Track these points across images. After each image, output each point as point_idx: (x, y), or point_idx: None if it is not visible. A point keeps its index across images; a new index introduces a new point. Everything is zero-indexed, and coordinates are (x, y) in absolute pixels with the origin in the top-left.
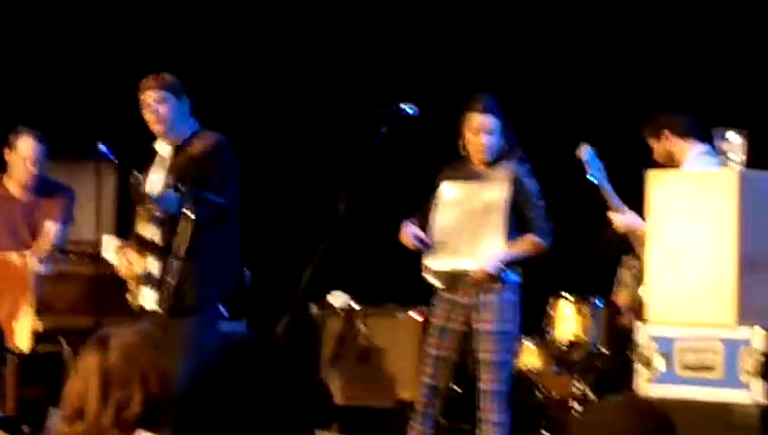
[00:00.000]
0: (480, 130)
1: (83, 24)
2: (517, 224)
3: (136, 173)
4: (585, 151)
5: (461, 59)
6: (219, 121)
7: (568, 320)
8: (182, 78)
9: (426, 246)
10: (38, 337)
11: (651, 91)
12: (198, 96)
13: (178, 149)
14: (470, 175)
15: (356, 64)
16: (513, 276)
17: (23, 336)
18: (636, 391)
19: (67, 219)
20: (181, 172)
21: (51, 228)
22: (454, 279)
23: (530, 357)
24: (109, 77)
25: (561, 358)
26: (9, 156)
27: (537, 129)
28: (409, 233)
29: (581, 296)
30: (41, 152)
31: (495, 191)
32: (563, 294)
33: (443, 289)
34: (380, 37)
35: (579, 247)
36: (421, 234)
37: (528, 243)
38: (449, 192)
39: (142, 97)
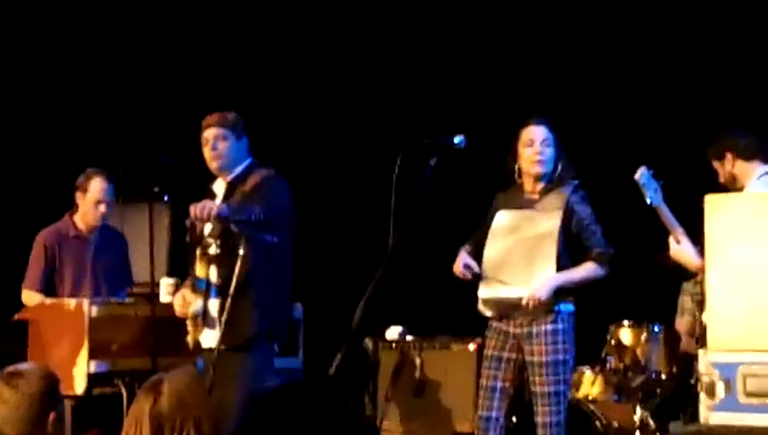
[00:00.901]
0: (534, 141)
1: (136, 65)
2: (573, 252)
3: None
4: (642, 174)
5: (511, 85)
6: (271, 155)
7: (628, 347)
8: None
9: (475, 276)
10: (94, 380)
11: (716, 111)
12: (252, 131)
13: (231, 186)
14: (523, 203)
15: (405, 96)
16: (566, 306)
17: (79, 379)
18: (697, 420)
19: (128, 264)
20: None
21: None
22: (506, 308)
23: (590, 386)
24: (162, 116)
25: (621, 386)
26: (80, 199)
27: (599, 152)
28: (460, 262)
29: (641, 323)
30: (111, 193)
31: (548, 220)
32: (624, 321)
33: (496, 319)
34: (430, 68)
35: (638, 273)
36: (471, 262)
37: (582, 269)
38: (502, 220)
39: (204, 134)
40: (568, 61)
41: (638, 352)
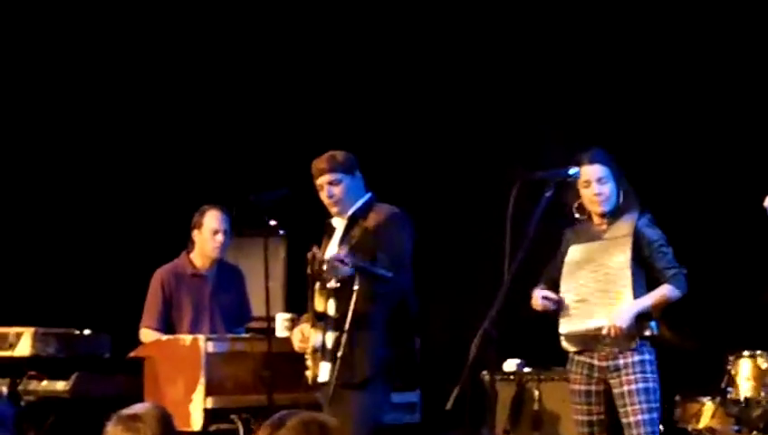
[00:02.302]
0: (590, 181)
1: (252, 101)
2: (647, 277)
3: (315, 249)
4: None
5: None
6: (384, 188)
7: (747, 377)
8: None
9: (556, 304)
10: (211, 416)
11: None
12: (364, 164)
13: (352, 221)
14: (593, 235)
15: (516, 128)
16: (648, 331)
17: (195, 416)
18: None
19: (247, 299)
20: (354, 245)
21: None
22: (589, 341)
23: (710, 417)
24: (278, 150)
25: (741, 417)
26: (197, 236)
27: (711, 176)
28: (538, 296)
29: (761, 352)
30: (227, 223)
31: (619, 248)
32: (743, 351)
33: (578, 352)
34: (537, 99)
35: (755, 302)
36: (549, 293)
37: (659, 292)
38: (574, 255)
39: (317, 182)
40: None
41: (759, 381)
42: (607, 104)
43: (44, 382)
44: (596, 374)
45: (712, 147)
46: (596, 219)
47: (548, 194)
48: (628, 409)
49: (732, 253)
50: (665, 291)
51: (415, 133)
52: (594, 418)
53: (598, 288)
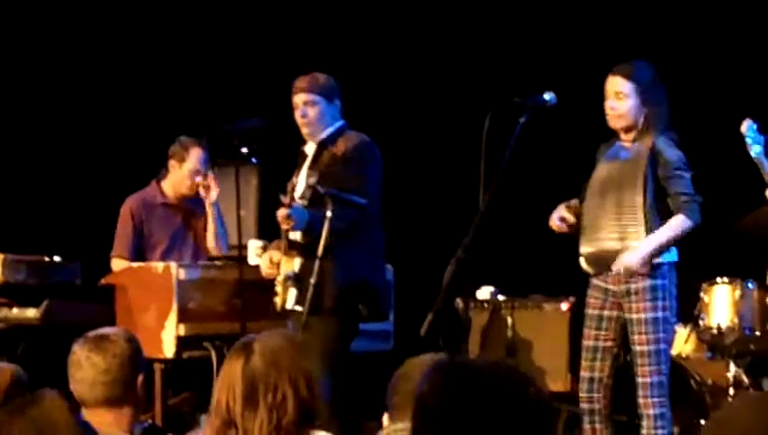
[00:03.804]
0: (608, 94)
1: (225, 25)
2: (662, 198)
3: (294, 179)
4: (748, 126)
5: (608, 32)
6: (360, 117)
7: (721, 305)
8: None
9: (570, 227)
10: (183, 344)
11: None
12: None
13: (322, 147)
14: (617, 153)
15: (491, 56)
16: (668, 256)
17: (168, 343)
18: None
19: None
20: (324, 171)
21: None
22: (601, 263)
23: (683, 344)
24: (247, 78)
25: (714, 344)
26: (174, 167)
27: (699, 104)
28: (555, 215)
29: (735, 280)
30: (206, 159)
31: (634, 166)
32: (717, 279)
33: (595, 275)
34: (517, 27)
35: (731, 229)
36: (566, 214)
37: (672, 227)
38: (598, 173)
39: (294, 99)
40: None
41: (732, 309)
42: (581, 30)
43: (15, 310)
44: (610, 298)
45: (686, 74)
46: (622, 135)
47: (522, 120)
48: (635, 337)
49: (705, 180)
50: (679, 223)
51: (390, 61)
52: (600, 344)
53: (612, 210)
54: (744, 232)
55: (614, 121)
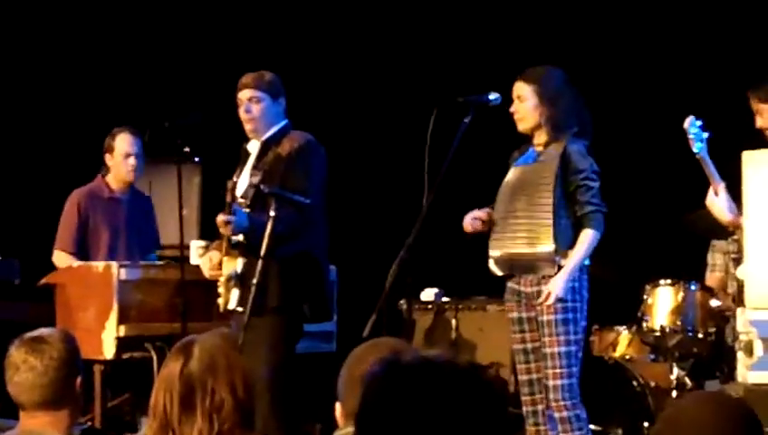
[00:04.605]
0: (514, 99)
1: (165, 23)
2: (571, 203)
3: (236, 178)
4: (691, 123)
5: (544, 37)
6: (302, 118)
7: (664, 306)
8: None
9: (485, 224)
10: (123, 344)
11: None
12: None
13: (266, 147)
14: (527, 158)
15: (436, 54)
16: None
17: (108, 344)
18: (734, 379)
19: (157, 229)
20: (268, 171)
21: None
22: (513, 266)
23: (626, 346)
24: (190, 74)
25: (657, 345)
26: (109, 160)
27: (635, 104)
28: (467, 217)
29: (677, 282)
30: (139, 146)
31: (545, 170)
32: (660, 280)
33: (509, 278)
34: (460, 26)
35: (673, 232)
36: (478, 213)
37: (584, 243)
38: (509, 177)
39: (239, 95)
40: (602, 6)
41: (675, 310)
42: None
43: None
44: (524, 300)
45: (630, 72)
46: (535, 140)
47: (467, 119)
48: (545, 339)
49: (653, 178)
50: (589, 238)
51: (334, 61)
52: (529, 345)
53: (522, 213)
54: (690, 230)
55: (519, 125)
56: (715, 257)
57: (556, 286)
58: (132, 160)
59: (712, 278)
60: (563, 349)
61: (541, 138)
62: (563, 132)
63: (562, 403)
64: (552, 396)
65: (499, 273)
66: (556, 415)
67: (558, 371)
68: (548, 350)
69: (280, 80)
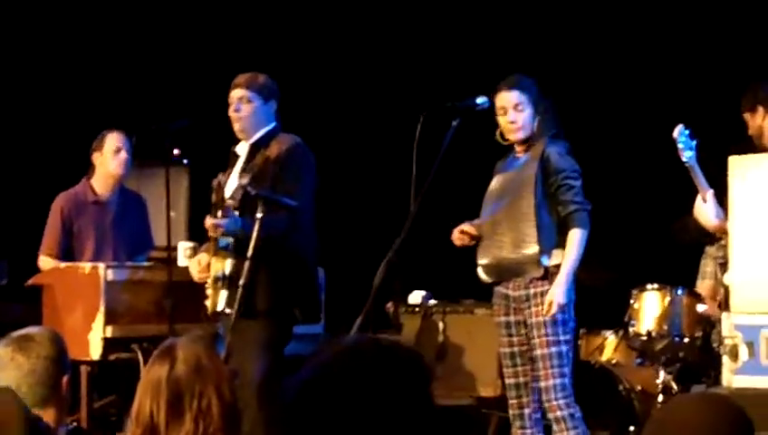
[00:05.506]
0: (506, 109)
1: (154, 26)
2: (552, 204)
3: (221, 176)
4: (680, 132)
5: (528, 43)
6: (291, 121)
7: (651, 311)
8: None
9: (472, 238)
10: (110, 345)
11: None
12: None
13: (255, 149)
14: (508, 165)
15: (423, 59)
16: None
17: (94, 345)
18: (719, 383)
19: (149, 227)
20: (256, 173)
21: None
22: (502, 272)
23: (613, 350)
24: (178, 77)
25: (644, 350)
26: (97, 159)
27: (626, 112)
28: (455, 231)
29: (665, 287)
30: (129, 145)
31: (525, 174)
32: (647, 285)
33: (497, 284)
34: (450, 31)
35: (661, 237)
36: (466, 227)
37: (574, 244)
38: (493, 185)
39: (231, 94)
40: (591, 13)
41: (661, 315)
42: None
43: None
44: (512, 304)
45: (620, 76)
46: (517, 147)
47: (455, 123)
48: (535, 341)
49: (641, 185)
50: (578, 237)
51: (323, 64)
52: (516, 349)
53: (507, 219)
54: (678, 241)
55: (516, 134)
56: (707, 264)
57: (556, 294)
58: (123, 154)
59: (702, 286)
60: (554, 349)
61: (524, 144)
62: (543, 136)
63: (555, 403)
64: (544, 397)
65: (488, 280)
66: (550, 415)
67: (549, 371)
68: (538, 351)
69: (275, 83)
